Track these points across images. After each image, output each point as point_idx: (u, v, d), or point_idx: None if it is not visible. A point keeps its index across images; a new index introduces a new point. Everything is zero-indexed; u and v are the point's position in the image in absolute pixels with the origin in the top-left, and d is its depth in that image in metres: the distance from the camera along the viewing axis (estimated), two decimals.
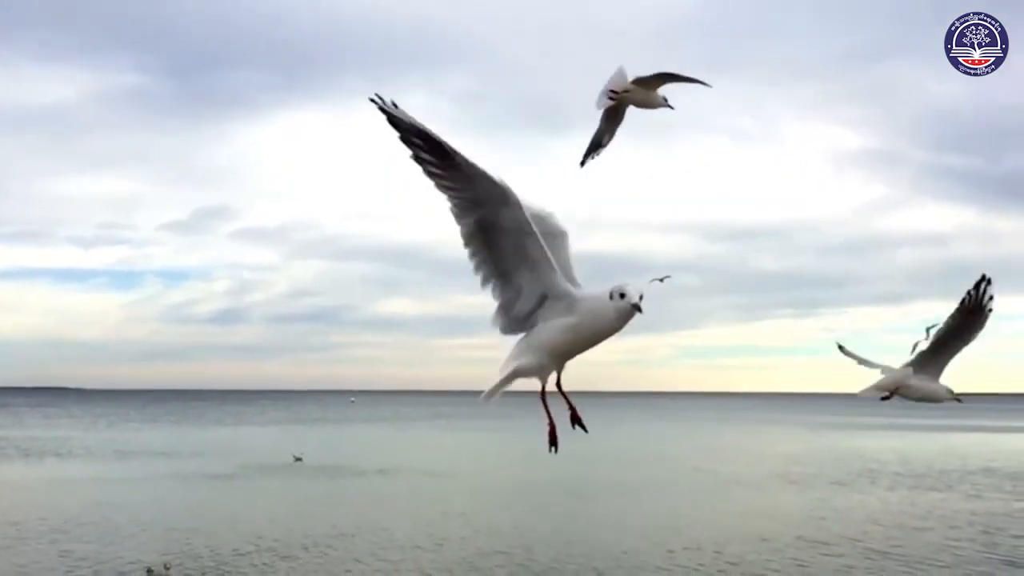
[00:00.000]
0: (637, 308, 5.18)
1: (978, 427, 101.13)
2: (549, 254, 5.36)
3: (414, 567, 23.97)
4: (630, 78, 7.42)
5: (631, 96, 7.46)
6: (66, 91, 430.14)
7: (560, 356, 5.59)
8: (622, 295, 5.24)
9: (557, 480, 43.57)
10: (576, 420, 5.85)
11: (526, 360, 5.56)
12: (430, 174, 5.18)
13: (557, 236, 5.93)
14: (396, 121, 5.09)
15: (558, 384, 5.78)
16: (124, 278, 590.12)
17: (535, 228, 5.24)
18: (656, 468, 50.11)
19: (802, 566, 24.26)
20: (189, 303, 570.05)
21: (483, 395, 5.71)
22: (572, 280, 5.70)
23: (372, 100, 5.02)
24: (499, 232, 5.28)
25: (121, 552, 25.72)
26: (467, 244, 5.38)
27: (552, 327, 5.44)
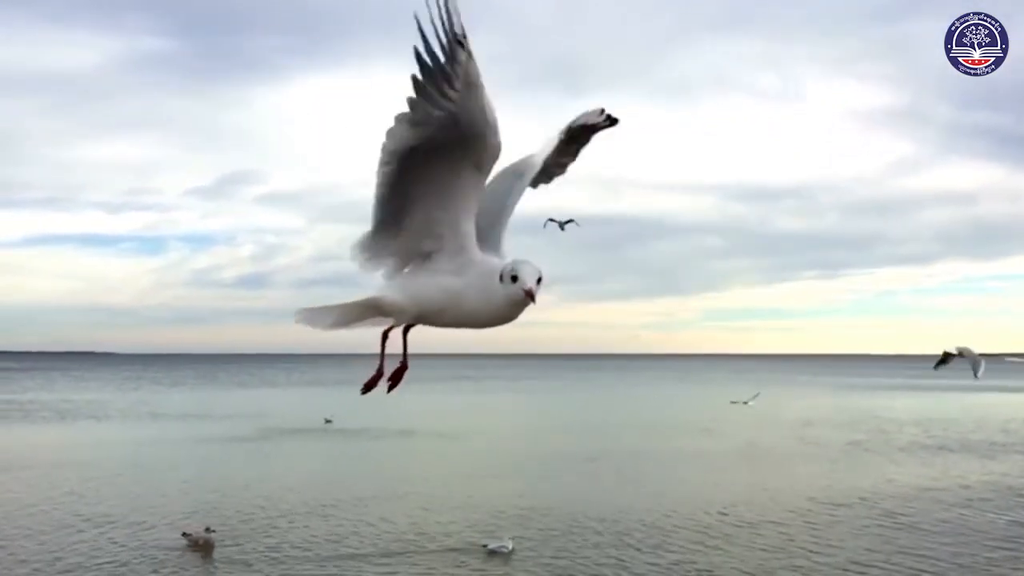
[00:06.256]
0: (530, 297, 4.05)
1: (996, 387, 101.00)
2: (472, 209, 4.29)
3: (443, 527, 24.75)
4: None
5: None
6: (90, 56, 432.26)
7: (429, 317, 4.50)
8: (514, 277, 4.08)
9: (579, 442, 44.38)
10: (395, 378, 4.78)
11: (392, 296, 4.46)
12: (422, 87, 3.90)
13: (513, 174, 4.84)
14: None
15: (405, 331, 4.77)
16: (150, 243, 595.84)
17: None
18: (675, 430, 50.74)
19: (814, 527, 24.85)
20: (215, 268, 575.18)
21: (310, 312, 4.66)
22: (496, 241, 4.63)
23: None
24: (438, 159, 4.10)
25: (158, 515, 26.09)
26: (388, 160, 4.17)
27: (433, 283, 4.35)
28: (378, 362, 4.70)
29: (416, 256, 4.43)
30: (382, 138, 4.11)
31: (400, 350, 4.79)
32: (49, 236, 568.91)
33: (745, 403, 55.58)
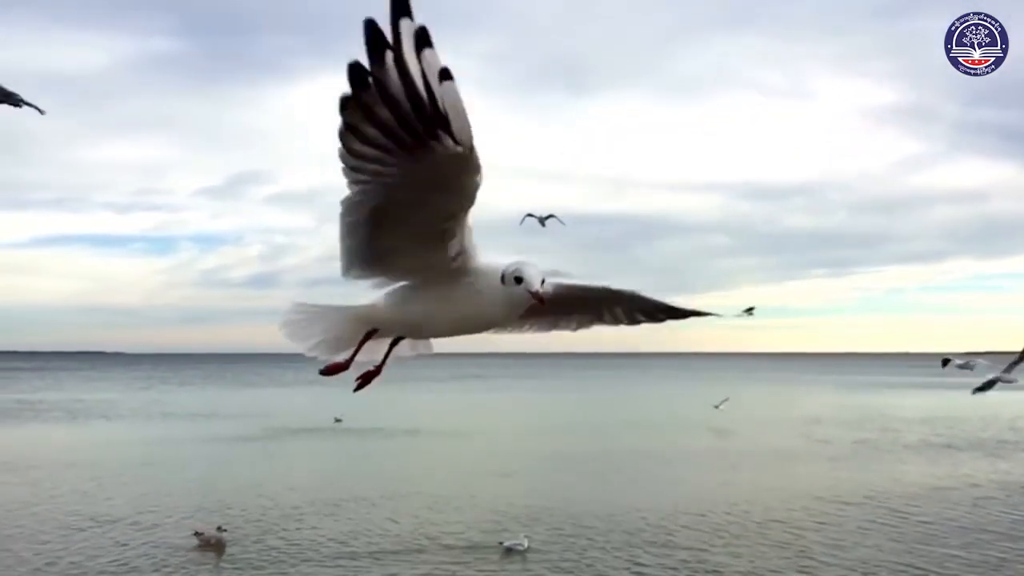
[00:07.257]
0: (537, 298, 3.97)
1: (1004, 385, 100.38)
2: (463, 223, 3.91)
3: (456, 525, 24.90)
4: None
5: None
6: (100, 57, 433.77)
7: (427, 327, 4.43)
8: (518, 279, 3.98)
9: (587, 441, 44.42)
10: (365, 379, 4.73)
11: (387, 309, 4.36)
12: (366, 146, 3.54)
13: None
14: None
15: (395, 341, 4.66)
16: (159, 243, 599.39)
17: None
18: (682, 429, 50.75)
19: (822, 525, 24.94)
20: (223, 268, 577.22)
21: (294, 325, 4.55)
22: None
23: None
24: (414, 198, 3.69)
25: (168, 514, 26.22)
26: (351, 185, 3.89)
27: (430, 292, 4.20)
28: (351, 353, 4.57)
29: (413, 269, 4.17)
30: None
31: (379, 352, 4.72)
32: (58, 237, 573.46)
33: (717, 407, 56.08)
